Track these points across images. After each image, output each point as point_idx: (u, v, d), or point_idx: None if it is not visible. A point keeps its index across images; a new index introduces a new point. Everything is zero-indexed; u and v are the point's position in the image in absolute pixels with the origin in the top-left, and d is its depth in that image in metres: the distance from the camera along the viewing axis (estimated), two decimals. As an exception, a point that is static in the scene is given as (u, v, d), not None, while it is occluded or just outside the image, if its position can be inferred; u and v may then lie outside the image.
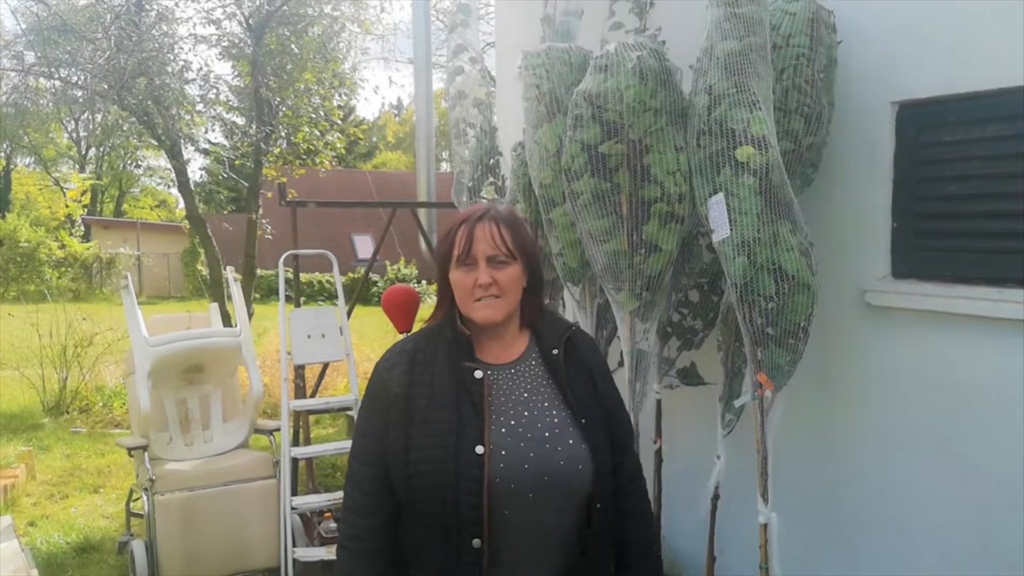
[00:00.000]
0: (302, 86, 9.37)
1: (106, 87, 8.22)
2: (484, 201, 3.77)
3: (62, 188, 29.77)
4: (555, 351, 1.63)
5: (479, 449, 1.47)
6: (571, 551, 1.55)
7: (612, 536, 1.64)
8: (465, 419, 1.50)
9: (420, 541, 1.53)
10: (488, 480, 1.46)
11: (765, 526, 2.57)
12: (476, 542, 1.46)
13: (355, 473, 1.60)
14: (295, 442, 4.55)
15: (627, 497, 1.70)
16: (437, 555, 1.50)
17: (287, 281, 4.21)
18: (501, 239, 1.56)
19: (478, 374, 1.55)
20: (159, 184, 34.82)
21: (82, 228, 25.32)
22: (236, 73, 9.80)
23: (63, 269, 21.49)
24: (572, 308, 3.30)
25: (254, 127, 9.16)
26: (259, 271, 10.77)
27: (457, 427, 1.49)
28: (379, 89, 49.62)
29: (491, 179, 3.80)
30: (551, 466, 1.50)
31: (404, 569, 1.57)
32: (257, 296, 11.00)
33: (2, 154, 31.59)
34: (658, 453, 3.29)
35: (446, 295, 1.63)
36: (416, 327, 4.02)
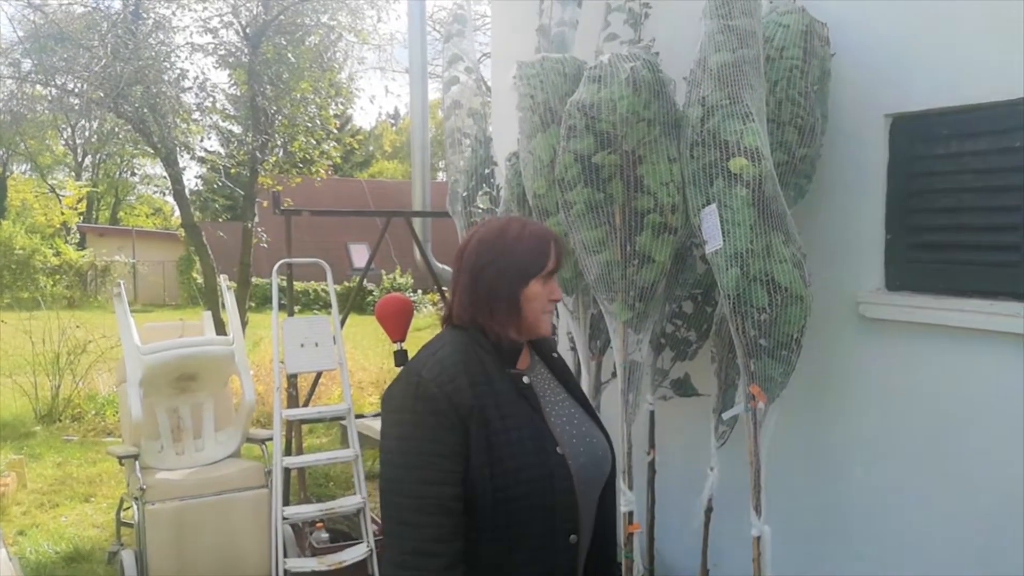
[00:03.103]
0: (299, 95, 9.39)
1: (102, 95, 8.23)
2: (481, 210, 3.77)
3: (58, 195, 29.70)
4: (555, 354, 1.73)
5: (559, 449, 1.53)
6: (589, 533, 1.63)
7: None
8: (535, 424, 1.54)
9: (505, 555, 1.50)
10: (575, 477, 1.52)
11: (758, 539, 2.56)
12: (573, 538, 1.52)
13: (437, 498, 1.46)
14: (287, 452, 4.52)
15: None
16: (532, 562, 1.51)
17: (281, 289, 4.20)
18: None
19: (526, 380, 1.59)
20: (155, 192, 34.71)
21: (77, 236, 25.27)
22: (233, 82, 9.82)
23: (57, 276, 21.41)
24: (565, 318, 3.29)
25: (250, 136, 9.18)
26: (254, 279, 10.75)
27: (532, 432, 1.53)
28: (375, 98, 49.87)
29: (486, 189, 3.80)
30: (593, 456, 1.59)
31: None
32: (252, 305, 10.97)
33: (-2, 161, 31.56)
34: (651, 465, 3.28)
35: (516, 306, 1.58)
36: (411, 336, 4.01)
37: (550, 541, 1.50)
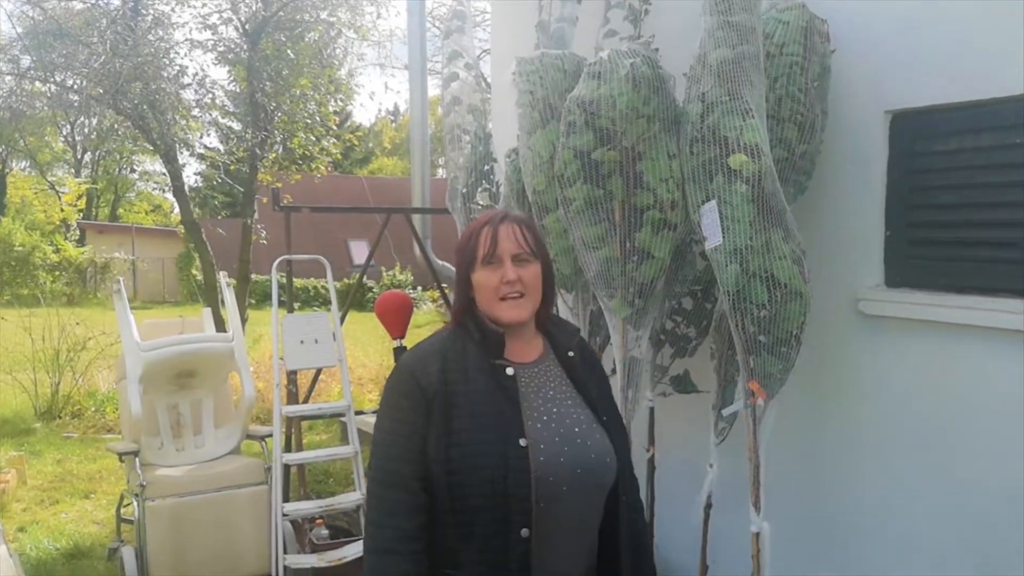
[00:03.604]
0: (298, 91, 9.38)
1: (101, 91, 8.23)
2: (480, 207, 3.77)
3: (57, 192, 29.68)
4: (571, 353, 1.71)
5: (522, 442, 1.53)
6: (593, 544, 1.63)
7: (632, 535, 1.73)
8: (504, 414, 1.55)
9: (461, 539, 1.54)
10: (534, 470, 1.52)
11: (757, 535, 2.56)
12: (524, 531, 1.51)
13: (396, 474, 1.56)
14: (287, 448, 4.53)
15: (635, 514, 1.78)
16: (484, 549, 1.52)
17: (281, 286, 4.20)
18: (524, 238, 1.63)
19: (510, 371, 1.61)
20: (154, 189, 34.75)
21: (77, 232, 25.25)
22: (232, 78, 9.81)
23: (57, 273, 21.42)
24: (565, 315, 3.29)
25: (250, 132, 9.17)
26: (254, 276, 10.74)
27: (499, 422, 1.54)
28: (375, 95, 49.68)
29: (485, 185, 3.79)
30: (584, 460, 1.57)
31: (437, 571, 1.57)
32: (252, 301, 10.97)
33: (-3, 158, 31.53)
34: (651, 461, 3.28)
35: (465, 297, 1.66)
36: (411, 333, 4.01)
37: (503, 530, 1.51)
